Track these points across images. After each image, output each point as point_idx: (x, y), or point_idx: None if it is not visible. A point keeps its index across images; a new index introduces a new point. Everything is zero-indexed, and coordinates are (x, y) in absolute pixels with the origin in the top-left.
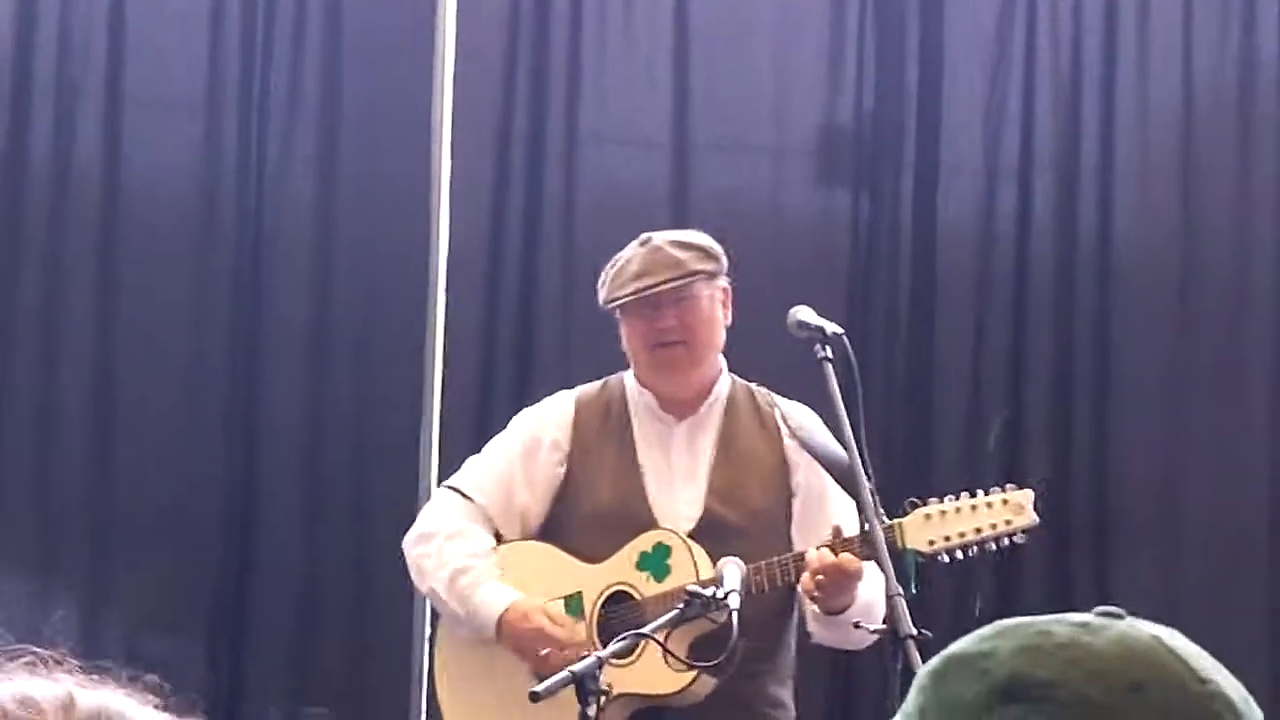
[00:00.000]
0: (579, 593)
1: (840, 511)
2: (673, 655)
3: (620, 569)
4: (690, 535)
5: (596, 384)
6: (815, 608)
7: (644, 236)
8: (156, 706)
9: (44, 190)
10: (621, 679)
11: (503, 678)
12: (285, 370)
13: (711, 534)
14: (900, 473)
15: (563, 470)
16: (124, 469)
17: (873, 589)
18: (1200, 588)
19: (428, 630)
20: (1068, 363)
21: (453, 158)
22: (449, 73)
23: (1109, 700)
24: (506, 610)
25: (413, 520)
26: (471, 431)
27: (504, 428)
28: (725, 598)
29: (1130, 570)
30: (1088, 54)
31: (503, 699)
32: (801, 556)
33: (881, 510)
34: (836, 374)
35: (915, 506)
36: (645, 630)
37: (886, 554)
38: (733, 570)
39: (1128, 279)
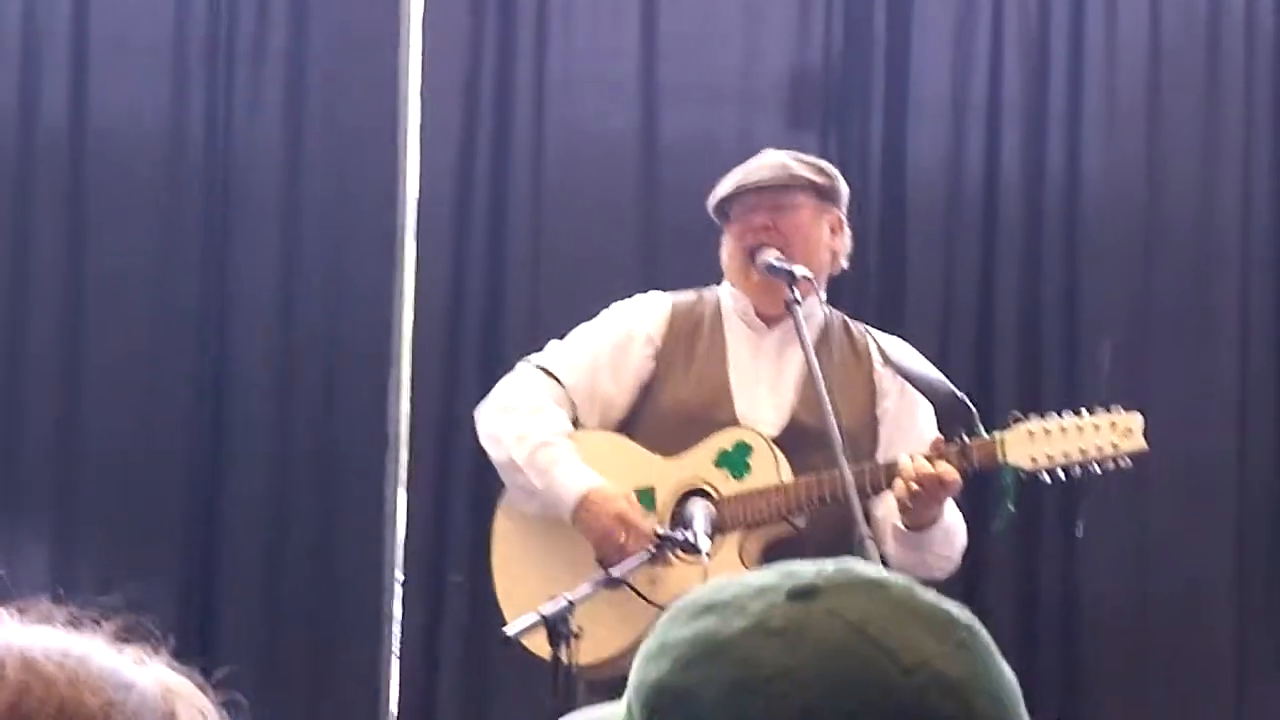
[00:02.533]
0: (652, 487)
1: (921, 436)
2: (638, 593)
3: (697, 465)
4: (774, 441)
5: (692, 291)
6: (901, 522)
7: (767, 151)
8: (125, 642)
9: (10, 136)
10: (693, 581)
11: (562, 557)
12: (253, 316)
13: (794, 442)
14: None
15: (653, 365)
16: (92, 413)
17: (955, 515)
18: (1167, 532)
19: (398, 573)
20: (1036, 304)
21: (421, 102)
22: (416, 17)
23: None
24: (591, 490)
25: (381, 463)
26: (441, 376)
27: (475, 367)
28: (695, 541)
29: (1099, 514)
30: None
31: (558, 579)
32: (895, 464)
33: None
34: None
35: (1017, 421)
36: (615, 573)
37: (856, 495)
38: (700, 512)
39: (1095, 220)
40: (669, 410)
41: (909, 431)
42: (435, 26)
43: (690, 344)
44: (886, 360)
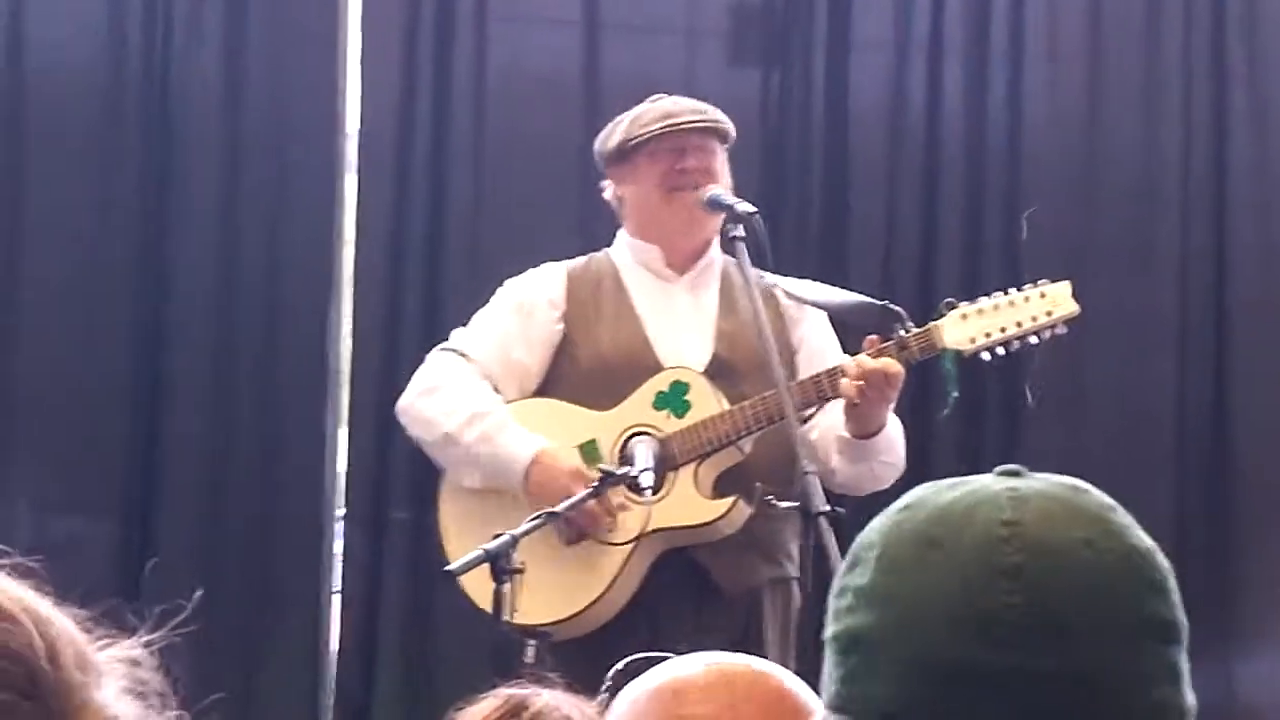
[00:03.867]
0: (594, 439)
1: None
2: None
3: (636, 411)
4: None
5: (580, 258)
6: (848, 431)
7: (656, 97)
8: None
9: None
10: (656, 516)
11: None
12: (193, 249)
13: (721, 376)
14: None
15: (561, 328)
16: (29, 348)
17: (895, 422)
18: (1105, 465)
19: (339, 510)
20: (977, 240)
21: (362, 37)
22: None
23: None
24: (541, 452)
25: (322, 398)
26: (382, 313)
27: (417, 305)
28: (637, 476)
29: (1038, 448)
30: None
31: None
32: (838, 368)
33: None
34: (751, 253)
35: (951, 308)
36: (557, 509)
37: (797, 425)
38: (643, 448)
39: (1036, 157)
40: (590, 368)
41: (828, 350)
42: None
43: (594, 303)
44: (790, 295)
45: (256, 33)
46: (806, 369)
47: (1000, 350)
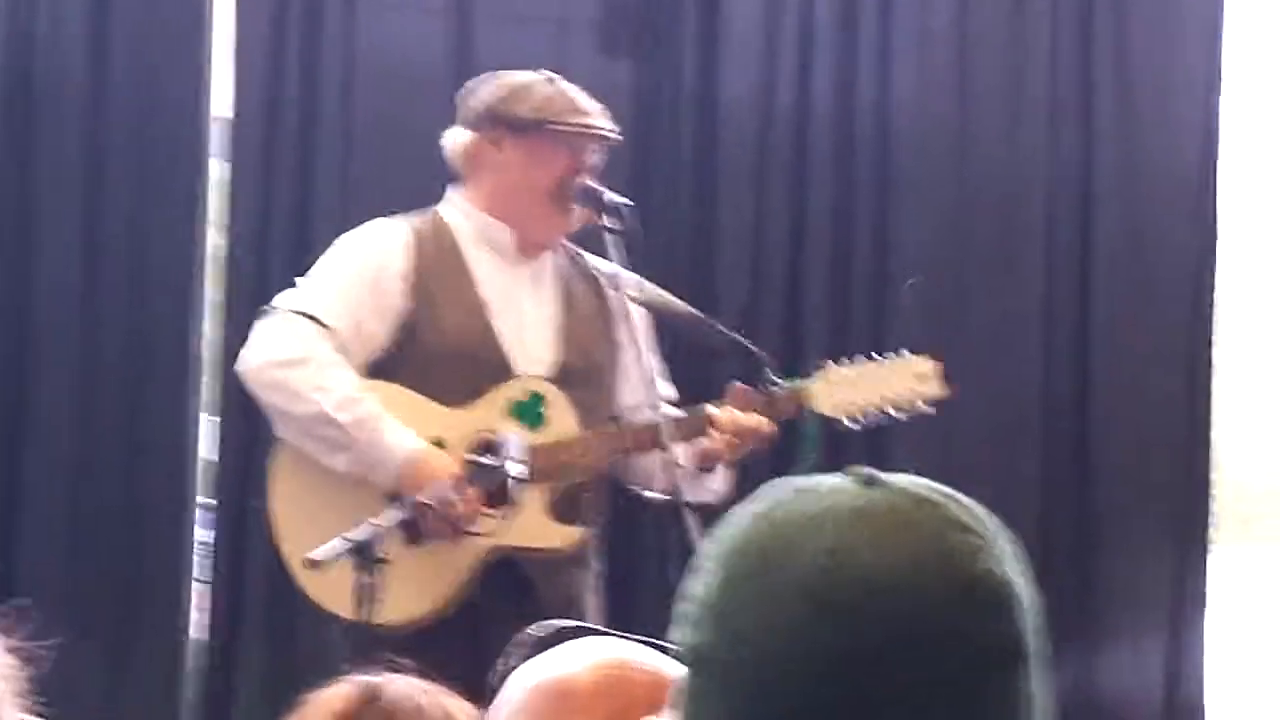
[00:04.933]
0: (440, 439)
1: (654, 365)
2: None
3: (489, 416)
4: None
5: (416, 215)
6: (692, 464)
7: (545, 74)
8: None
9: None
10: (502, 532)
11: (351, 504)
12: (58, 238)
13: (564, 383)
14: (673, 353)
15: (411, 304)
16: None
17: None
18: (973, 467)
19: (202, 499)
20: (847, 234)
21: (234, 29)
22: None
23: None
24: (425, 452)
25: (185, 386)
26: (249, 301)
27: (285, 286)
28: (505, 466)
29: (910, 441)
30: None
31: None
32: (708, 416)
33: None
34: (620, 246)
35: (820, 369)
36: (426, 499)
37: (673, 436)
38: (514, 441)
39: (905, 152)
40: (434, 350)
41: (638, 358)
42: None
43: (437, 275)
44: (618, 287)
45: (123, 18)
46: (629, 372)
47: (862, 420)
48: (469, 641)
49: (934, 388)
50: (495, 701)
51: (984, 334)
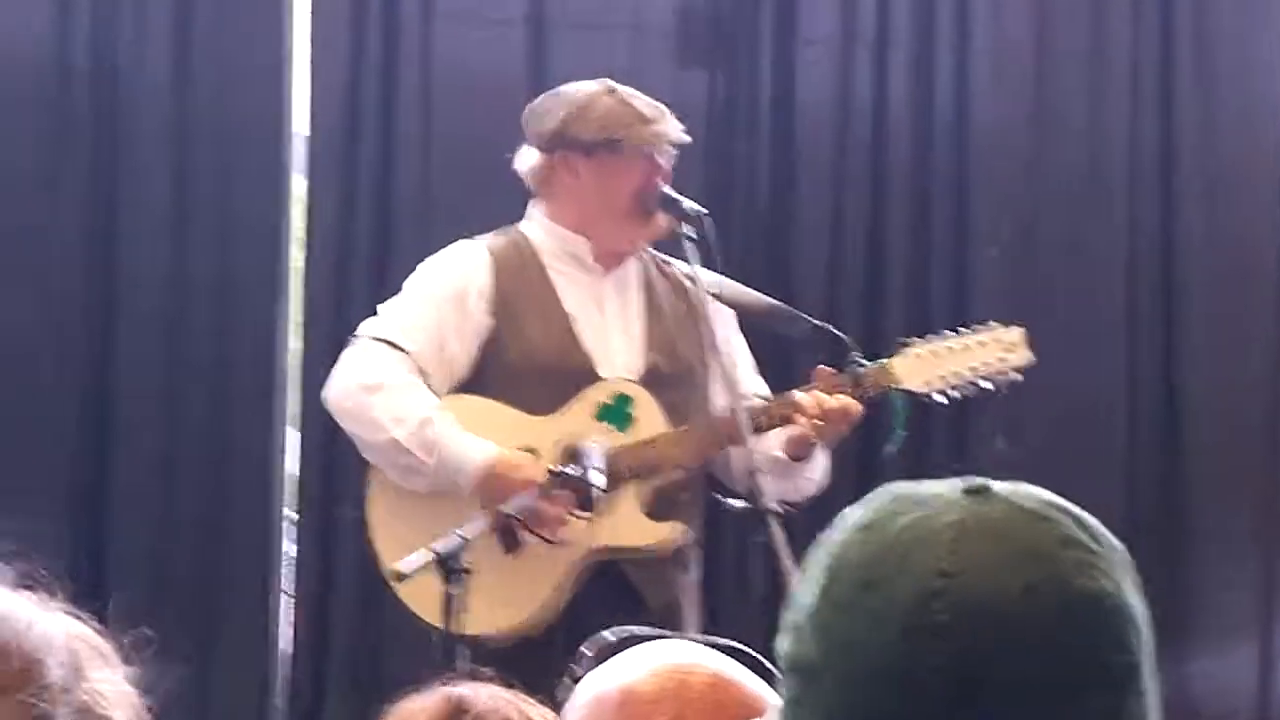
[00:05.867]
0: (532, 448)
1: (747, 366)
2: (541, 536)
3: (577, 421)
4: None
5: (498, 233)
6: (784, 453)
7: (604, 84)
8: (23, 588)
9: None
10: (595, 533)
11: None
12: (141, 253)
13: (654, 387)
14: (759, 353)
15: (491, 322)
16: None
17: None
18: (1050, 464)
19: (288, 511)
20: (925, 238)
21: (311, 43)
22: None
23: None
24: (495, 459)
25: (271, 400)
26: (331, 314)
27: (366, 304)
28: (587, 475)
29: (982, 442)
30: None
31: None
32: (793, 401)
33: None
34: (699, 252)
35: (904, 346)
36: (507, 509)
37: (749, 426)
38: (595, 449)
39: (983, 155)
40: (519, 365)
41: (738, 352)
42: None
43: (519, 292)
44: (718, 297)
45: (202, 33)
46: (720, 371)
47: (951, 393)
48: (574, 650)
49: (1023, 355)
50: (563, 710)
51: (1064, 333)
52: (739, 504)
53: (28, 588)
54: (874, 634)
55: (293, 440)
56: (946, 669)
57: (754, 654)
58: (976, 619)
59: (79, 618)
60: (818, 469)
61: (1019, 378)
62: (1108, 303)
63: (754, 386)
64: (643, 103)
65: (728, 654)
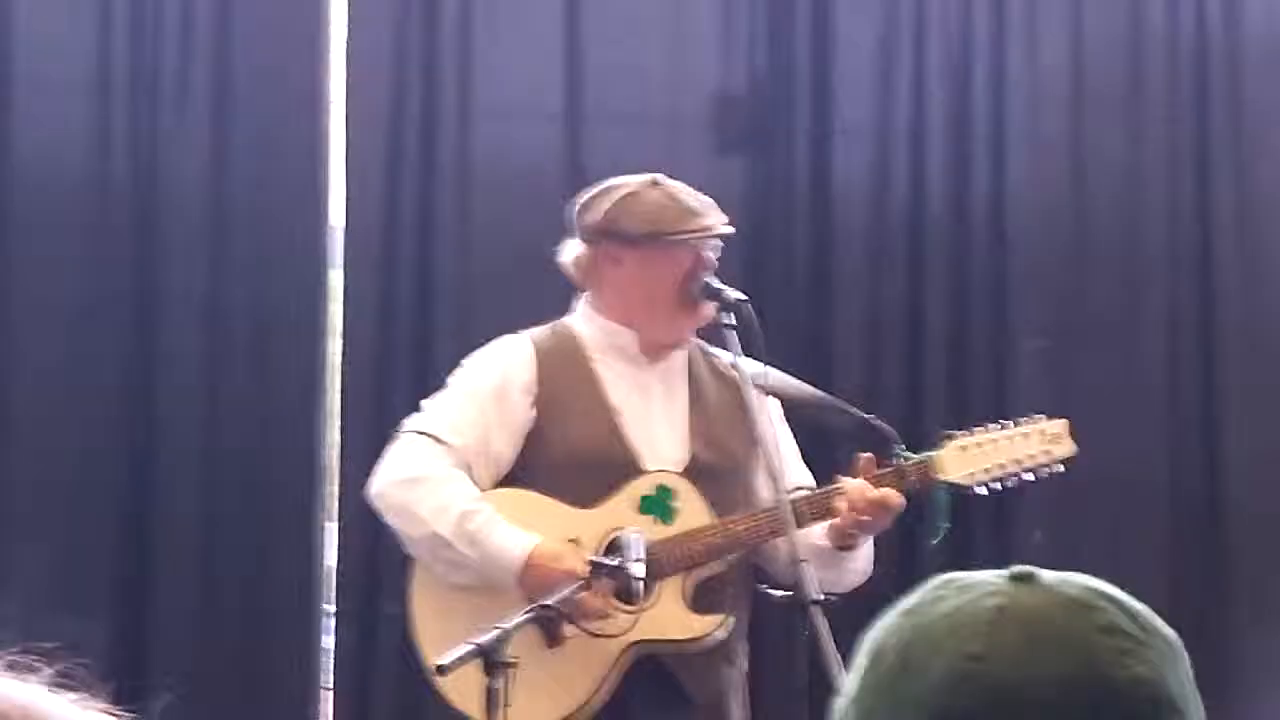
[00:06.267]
0: (576, 539)
1: (793, 457)
2: (582, 629)
3: (620, 513)
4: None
5: (544, 328)
6: (830, 543)
7: (650, 178)
8: (63, 688)
9: None
10: (636, 626)
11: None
12: (182, 349)
13: (697, 478)
14: (799, 438)
15: (534, 414)
16: (20, 447)
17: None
18: (1097, 544)
19: (329, 606)
20: (964, 327)
21: (346, 138)
22: (339, 47)
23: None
24: (536, 550)
25: (311, 494)
26: (370, 406)
27: (405, 397)
28: (628, 566)
29: (1023, 534)
30: (978, 15)
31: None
32: (836, 490)
33: (899, 445)
34: (740, 341)
35: (948, 439)
36: (549, 601)
37: (792, 518)
38: (635, 540)
39: (1021, 240)
40: (562, 458)
41: (784, 443)
42: (358, 57)
43: (562, 385)
44: (751, 380)
45: (240, 134)
46: (766, 463)
47: (995, 486)
48: None
49: (1067, 447)
50: None
51: (1107, 412)
52: (782, 594)
53: (68, 687)
54: (908, 718)
55: (331, 534)
56: None
57: None
58: (1006, 706)
59: (119, 718)
60: (862, 558)
61: (1062, 469)
62: (1149, 383)
63: (799, 478)
64: (688, 195)
65: None
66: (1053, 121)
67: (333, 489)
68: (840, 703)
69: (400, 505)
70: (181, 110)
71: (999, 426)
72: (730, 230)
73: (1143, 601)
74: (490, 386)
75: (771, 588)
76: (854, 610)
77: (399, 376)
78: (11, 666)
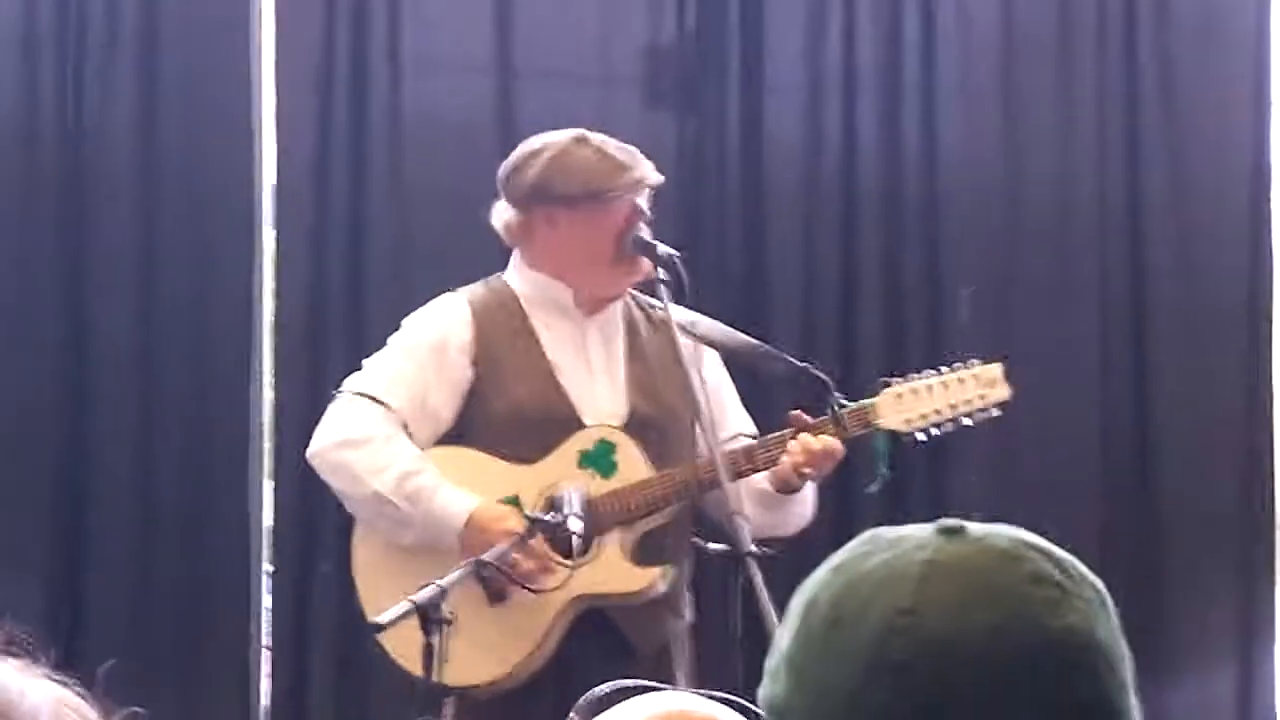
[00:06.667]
0: (515, 495)
1: (733, 404)
2: (524, 586)
3: (560, 468)
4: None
5: (478, 285)
6: (772, 488)
7: (574, 134)
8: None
9: None
10: (578, 581)
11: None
12: (113, 305)
13: (637, 431)
14: (736, 386)
15: (472, 372)
16: None
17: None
18: (1032, 497)
19: (266, 565)
20: (896, 275)
21: (276, 91)
22: (270, 5)
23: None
24: (476, 511)
25: (247, 444)
26: (304, 365)
27: (340, 355)
28: (565, 521)
29: (963, 485)
30: None
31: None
32: (776, 441)
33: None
34: (673, 294)
35: (884, 386)
36: (486, 558)
37: (726, 470)
38: (574, 495)
39: (953, 192)
40: (504, 415)
41: (724, 391)
42: (287, 13)
43: (500, 342)
44: (684, 329)
45: (168, 90)
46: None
47: (933, 431)
48: (564, 700)
49: (1003, 391)
50: None
51: (1039, 359)
52: (718, 547)
53: (12, 654)
54: (840, 672)
55: (268, 493)
56: (907, 708)
57: (745, 703)
58: (937, 658)
59: (64, 683)
60: (806, 501)
61: (999, 414)
62: (1081, 339)
63: (741, 426)
64: (616, 148)
65: (720, 704)
66: (983, 69)
67: (269, 448)
68: (773, 659)
69: (340, 466)
70: (108, 73)
71: (935, 373)
72: (660, 179)
73: (1074, 553)
74: (428, 346)
75: (710, 540)
76: (791, 563)
77: (333, 335)
78: None
